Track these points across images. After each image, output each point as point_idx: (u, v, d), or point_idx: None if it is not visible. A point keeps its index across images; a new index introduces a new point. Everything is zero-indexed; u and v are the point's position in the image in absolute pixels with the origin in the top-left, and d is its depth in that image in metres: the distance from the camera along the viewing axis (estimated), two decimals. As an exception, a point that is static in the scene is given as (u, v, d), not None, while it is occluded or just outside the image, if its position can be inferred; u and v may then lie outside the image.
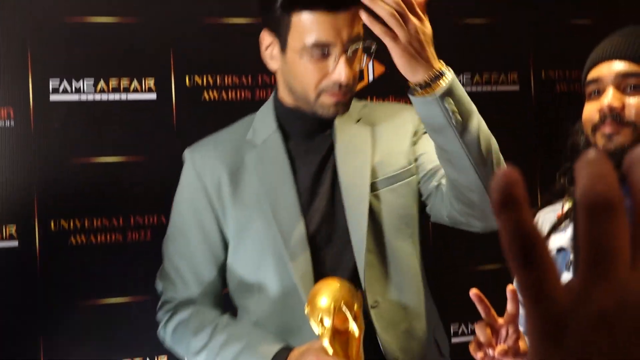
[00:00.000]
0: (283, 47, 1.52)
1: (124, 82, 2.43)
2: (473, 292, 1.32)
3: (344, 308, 1.40)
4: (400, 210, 1.64)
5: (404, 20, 1.24)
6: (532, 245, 0.37)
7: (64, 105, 2.38)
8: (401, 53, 1.26)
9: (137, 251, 2.41)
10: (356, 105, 1.71)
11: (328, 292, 1.41)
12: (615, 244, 0.36)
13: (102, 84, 2.41)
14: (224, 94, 2.52)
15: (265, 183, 1.61)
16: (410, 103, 1.45)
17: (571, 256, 1.46)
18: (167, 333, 1.68)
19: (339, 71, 1.48)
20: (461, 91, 1.36)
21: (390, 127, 1.69)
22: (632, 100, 1.43)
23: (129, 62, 2.44)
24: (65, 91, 2.37)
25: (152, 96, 2.45)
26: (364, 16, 1.29)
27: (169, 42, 2.47)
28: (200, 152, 1.68)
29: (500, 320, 1.34)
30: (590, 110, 1.47)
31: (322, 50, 1.49)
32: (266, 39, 1.57)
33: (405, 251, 1.66)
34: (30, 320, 2.30)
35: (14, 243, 2.30)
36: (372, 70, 2.62)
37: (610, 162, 0.38)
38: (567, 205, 1.57)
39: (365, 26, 1.39)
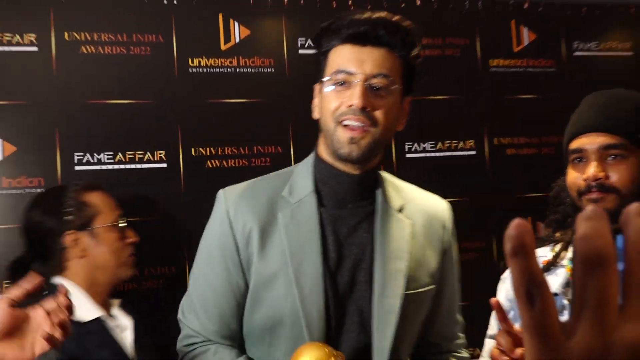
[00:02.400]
0: (321, 86, 1.48)
1: (139, 154, 2.65)
2: (493, 301, 1.31)
3: None
4: (415, 325, 1.56)
5: None
6: (536, 288, 0.40)
7: (86, 174, 2.59)
8: None
9: (152, 298, 2.59)
10: (397, 185, 1.64)
11: (310, 356, 1.31)
12: (606, 293, 0.39)
13: (119, 156, 2.63)
14: (224, 162, 2.73)
15: (293, 244, 1.47)
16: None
17: (564, 301, 1.52)
18: None
19: (355, 95, 1.39)
20: None
21: (426, 236, 1.57)
22: (613, 170, 1.45)
23: (143, 137, 2.66)
24: (88, 162, 2.59)
25: (163, 165, 2.66)
26: None
27: (176, 120, 2.70)
28: (234, 199, 1.55)
29: (517, 328, 1.33)
30: (575, 177, 1.50)
31: (344, 77, 1.43)
32: (315, 90, 1.53)
33: None
34: None
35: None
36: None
37: (606, 220, 0.41)
38: (553, 252, 1.62)
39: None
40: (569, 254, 1.58)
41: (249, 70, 2.83)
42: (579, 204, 1.50)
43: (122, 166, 2.64)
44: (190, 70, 2.76)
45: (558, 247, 1.62)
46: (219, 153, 2.74)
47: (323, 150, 1.53)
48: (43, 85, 2.59)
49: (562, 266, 1.59)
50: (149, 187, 2.65)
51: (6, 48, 2.56)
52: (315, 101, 1.52)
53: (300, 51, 2.91)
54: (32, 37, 2.60)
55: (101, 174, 2.61)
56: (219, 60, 2.79)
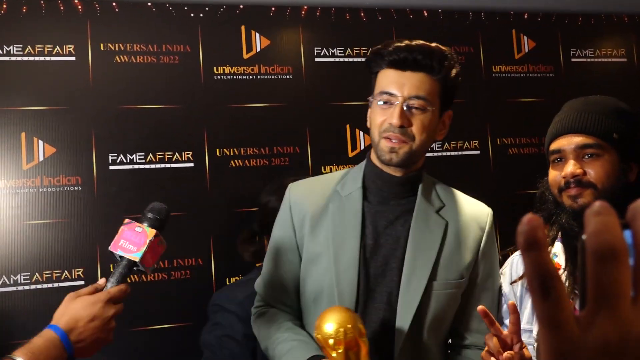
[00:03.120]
0: (372, 100, 1.66)
1: (168, 155, 2.75)
2: (480, 308, 1.37)
3: (351, 330, 1.38)
4: (440, 314, 1.63)
5: None
6: (550, 280, 0.40)
7: (120, 173, 2.69)
8: None
9: (180, 287, 2.69)
10: (440, 189, 1.75)
11: (333, 319, 1.40)
12: (618, 285, 0.39)
13: (150, 156, 2.73)
14: (247, 161, 2.82)
15: (337, 229, 1.64)
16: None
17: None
18: (252, 322, 1.78)
19: (394, 115, 1.56)
20: None
21: (462, 235, 1.67)
22: (590, 167, 1.51)
23: (171, 139, 2.76)
24: (121, 162, 2.70)
25: (190, 165, 2.77)
26: None
27: (202, 123, 2.80)
28: (296, 191, 1.75)
29: (505, 332, 1.38)
30: (555, 175, 1.57)
31: (387, 98, 1.59)
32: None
33: (433, 351, 1.65)
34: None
35: (82, 282, 2.58)
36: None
37: (614, 214, 0.40)
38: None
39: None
40: (554, 249, 1.64)
41: (269, 77, 2.93)
42: (560, 200, 1.57)
43: (152, 166, 2.74)
44: (215, 77, 2.86)
45: None
46: (242, 153, 2.84)
47: (373, 155, 1.70)
48: (80, 92, 2.71)
49: None
50: (177, 185, 2.75)
51: (47, 58, 2.70)
52: (368, 112, 1.69)
53: (316, 59, 3.01)
54: (70, 48, 2.73)
55: (134, 173, 2.72)
56: (242, 68, 2.89)
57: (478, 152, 3.12)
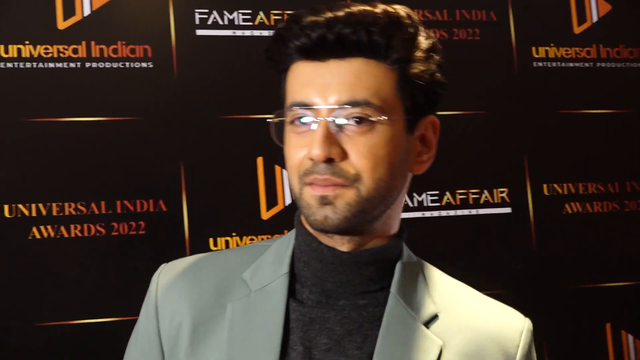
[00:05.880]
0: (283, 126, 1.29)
1: None
2: None
3: None
4: None
5: None
6: None
7: None
8: None
9: None
10: (433, 281, 1.25)
11: None
12: None
13: None
14: (62, 230, 2.12)
15: (236, 352, 1.21)
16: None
17: None
18: None
19: (314, 142, 1.11)
20: None
21: None
22: None
23: None
24: None
25: None
26: None
27: None
28: (168, 280, 1.30)
29: None
30: None
31: (301, 113, 1.15)
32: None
33: None
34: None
35: None
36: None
37: None
38: None
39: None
40: None
41: (108, 64, 2.26)
42: None
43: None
44: (4, 65, 2.14)
45: None
46: (55, 213, 2.13)
47: (303, 218, 1.26)
48: None
49: None
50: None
51: None
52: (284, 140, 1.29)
53: (199, 32, 2.32)
54: None
55: None
56: (54, 47, 2.16)
57: (508, 209, 2.47)
